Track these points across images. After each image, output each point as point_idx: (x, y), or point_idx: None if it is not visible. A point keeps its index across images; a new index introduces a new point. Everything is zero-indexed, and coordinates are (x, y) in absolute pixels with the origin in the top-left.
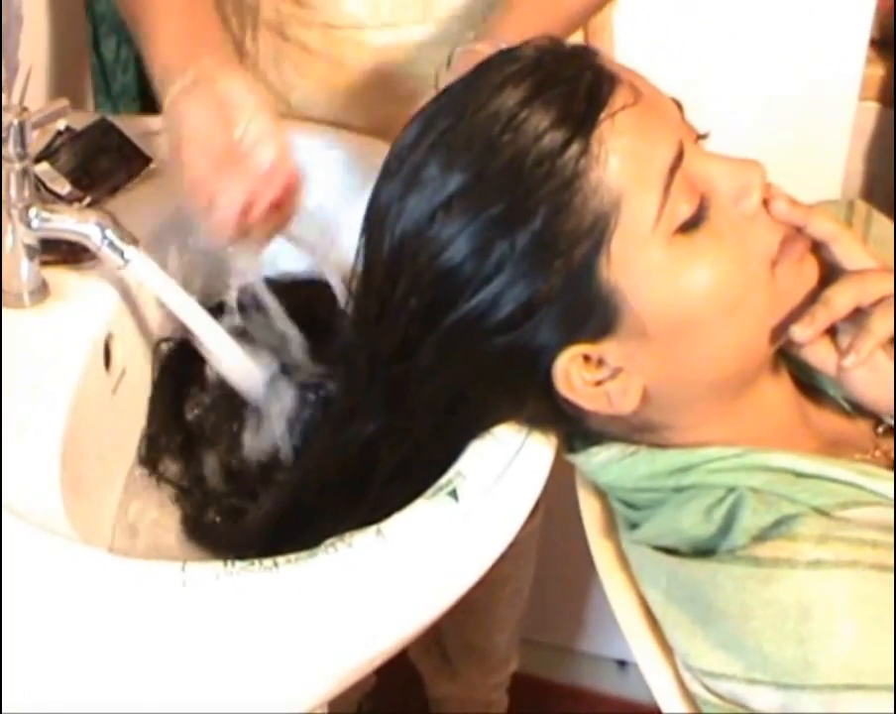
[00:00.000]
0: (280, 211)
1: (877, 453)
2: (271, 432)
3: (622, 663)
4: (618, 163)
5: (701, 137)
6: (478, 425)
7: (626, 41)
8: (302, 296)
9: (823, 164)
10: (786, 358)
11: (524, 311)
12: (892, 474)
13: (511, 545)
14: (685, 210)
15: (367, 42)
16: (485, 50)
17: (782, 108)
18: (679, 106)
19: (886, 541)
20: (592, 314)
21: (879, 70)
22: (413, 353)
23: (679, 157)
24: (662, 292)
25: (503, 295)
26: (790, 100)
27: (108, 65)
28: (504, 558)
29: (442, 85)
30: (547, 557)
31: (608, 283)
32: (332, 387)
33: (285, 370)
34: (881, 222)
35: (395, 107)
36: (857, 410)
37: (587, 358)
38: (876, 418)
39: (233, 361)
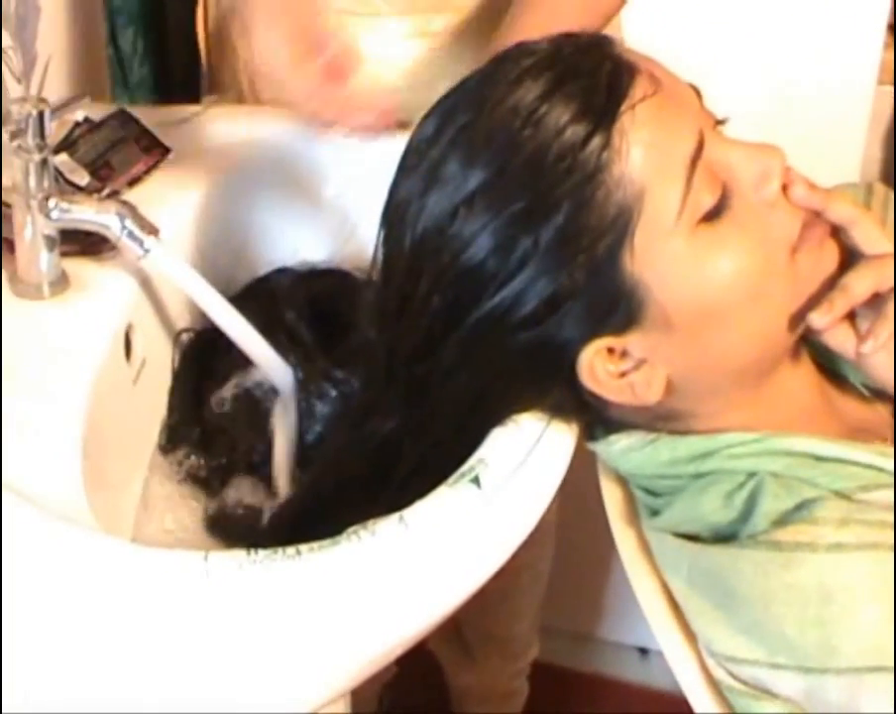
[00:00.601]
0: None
1: None
2: (292, 424)
3: (644, 651)
4: (641, 155)
5: (720, 122)
6: (499, 417)
7: (639, 25)
8: (322, 285)
9: (841, 148)
10: (809, 344)
11: (548, 307)
12: None
13: (530, 533)
14: (708, 200)
15: (384, 29)
16: None
17: (800, 93)
18: (697, 93)
19: None
20: (616, 308)
21: None
22: (436, 351)
23: (700, 146)
24: (686, 283)
25: (526, 291)
26: (808, 85)
27: (125, 57)
28: (523, 546)
29: None
30: (568, 545)
31: (631, 276)
32: (352, 382)
33: (307, 362)
34: None
35: (413, 96)
36: (877, 395)
37: (611, 350)
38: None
39: (255, 351)
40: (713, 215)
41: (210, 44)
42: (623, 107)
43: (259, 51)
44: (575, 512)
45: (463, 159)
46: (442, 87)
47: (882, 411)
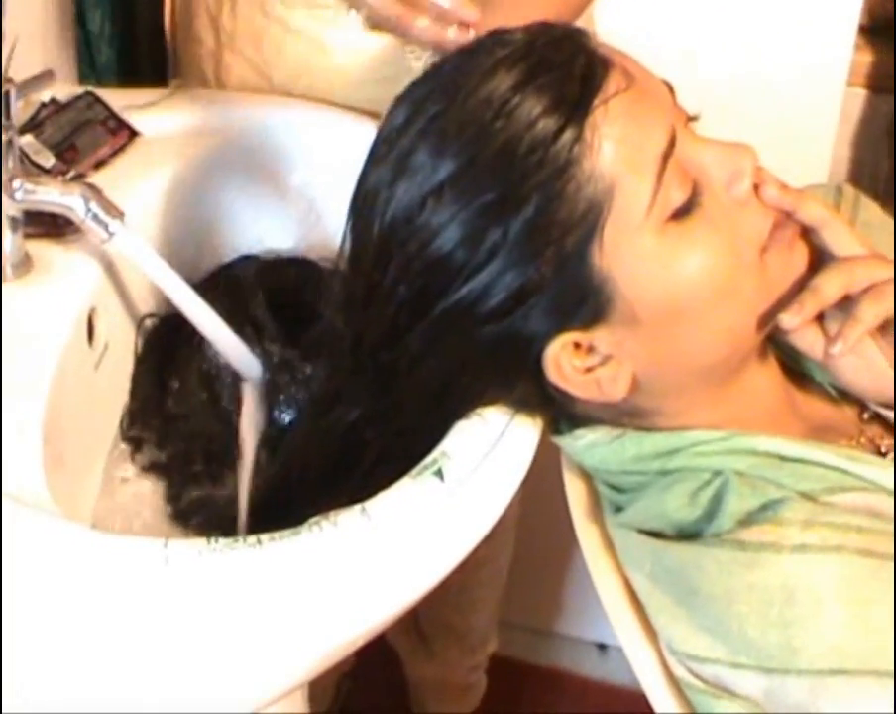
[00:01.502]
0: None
1: (862, 440)
2: (257, 413)
3: (602, 647)
4: (612, 150)
5: (692, 119)
6: (465, 409)
7: (611, 24)
8: (287, 273)
9: (810, 149)
10: (774, 343)
11: (516, 300)
12: (878, 459)
13: (492, 527)
14: (678, 197)
15: (354, 22)
16: None
17: (770, 93)
18: (670, 89)
19: (872, 527)
20: (583, 302)
21: (868, 57)
22: (402, 341)
23: (672, 143)
24: (654, 279)
25: (494, 283)
26: (778, 85)
27: (93, 38)
28: (484, 540)
29: None
30: (528, 540)
31: (600, 271)
32: (317, 371)
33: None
34: (869, 207)
35: (381, 89)
36: (843, 396)
37: (577, 345)
38: (862, 405)
39: (219, 338)
40: (682, 213)
41: (176, 29)
42: (596, 101)
43: None
44: (536, 506)
45: (433, 148)
46: (408, 81)
47: (848, 410)
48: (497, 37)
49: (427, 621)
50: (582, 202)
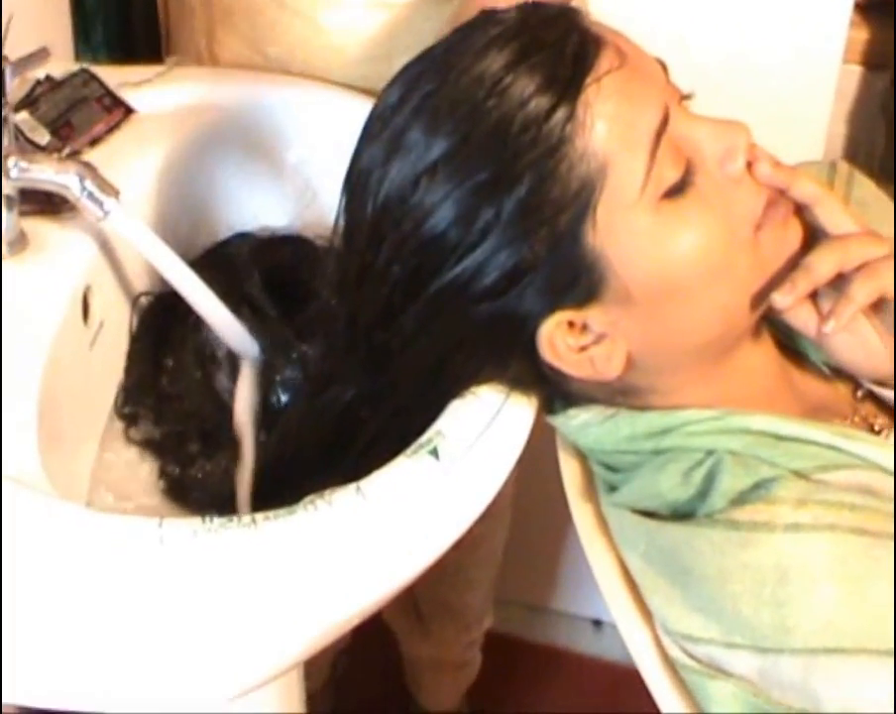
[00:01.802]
0: None
1: (856, 419)
2: (252, 391)
3: (598, 623)
4: (604, 128)
5: (685, 97)
6: (459, 388)
7: (605, 2)
8: (282, 252)
9: (806, 126)
10: (770, 322)
11: (509, 279)
12: (871, 437)
13: (487, 506)
14: (671, 175)
15: (345, 1)
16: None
17: (766, 70)
18: (664, 67)
19: (865, 505)
20: (577, 281)
21: (863, 34)
22: (396, 320)
23: (665, 121)
24: (648, 257)
25: (487, 262)
26: (774, 62)
27: (89, 15)
28: (479, 518)
29: None
30: (523, 516)
31: (593, 249)
32: (312, 350)
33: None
34: (863, 184)
35: (376, 67)
36: (837, 374)
37: (571, 324)
38: (856, 383)
39: (214, 316)
40: (676, 191)
41: (169, 4)
42: (589, 80)
43: None
44: (531, 483)
45: (426, 127)
46: (402, 59)
47: (842, 389)
48: (489, 16)
49: (423, 600)
50: (575, 181)
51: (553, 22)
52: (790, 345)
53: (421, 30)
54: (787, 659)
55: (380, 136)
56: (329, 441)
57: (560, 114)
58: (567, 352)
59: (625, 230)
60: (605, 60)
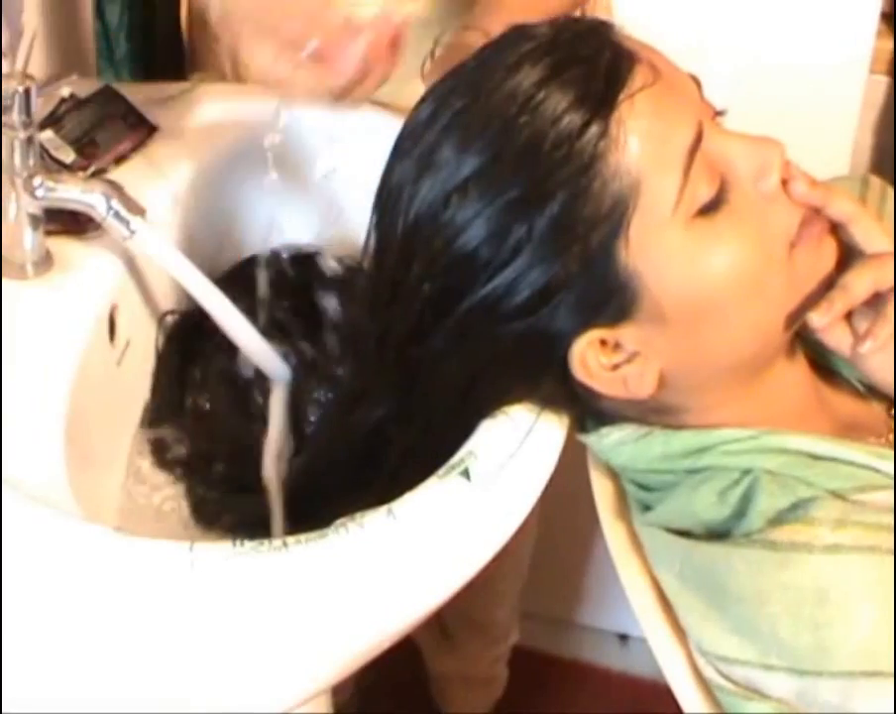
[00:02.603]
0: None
1: (891, 437)
2: (281, 411)
3: (624, 637)
4: (638, 145)
5: (719, 114)
6: (490, 408)
7: (630, 14)
8: (309, 270)
9: (832, 137)
10: (801, 339)
11: (541, 297)
12: None
13: None
14: (705, 193)
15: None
16: (475, 41)
17: (792, 81)
18: (697, 83)
19: None
20: (610, 299)
21: (889, 44)
22: (426, 338)
23: (699, 138)
24: (681, 276)
25: (519, 280)
26: (800, 73)
27: (111, 31)
28: None
29: (427, 77)
30: (549, 530)
31: (626, 267)
32: (342, 369)
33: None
34: None
35: (402, 84)
36: (872, 392)
37: (603, 342)
38: (890, 402)
39: (240, 334)
40: (710, 208)
41: (192, 21)
42: (622, 96)
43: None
44: (557, 497)
45: (457, 144)
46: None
47: (877, 407)
48: (521, 31)
49: (449, 615)
50: (608, 198)
51: (586, 37)
52: (822, 362)
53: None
54: (826, 682)
55: (410, 153)
56: (359, 461)
57: (593, 131)
58: (599, 371)
59: (658, 248)
60: (638, 77)
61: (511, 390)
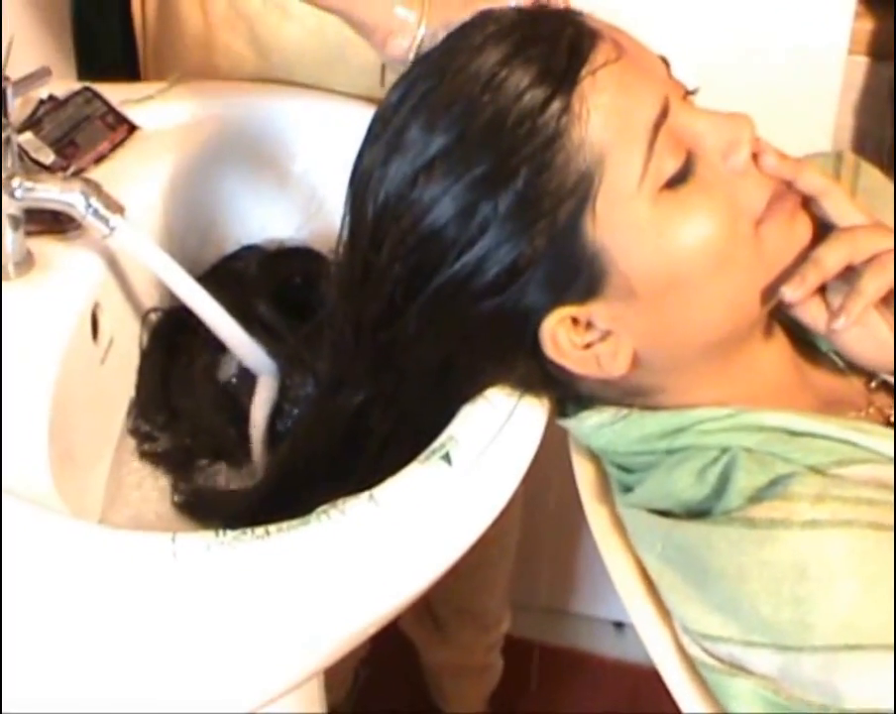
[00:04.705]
0: None
1: (871, 410)
2: (265, 405)
3: (619, 625)
4: (601, 120)
5: (690, 93)
6: (468, 390)
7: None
8: (291, 264)
9: (812, 118)
10: (782, 316)
11: (510, 274)
12: (886, 430)
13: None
14: (671, 166)
15: None
16: None
17: (771, 62)
18: (666, 63)
19: (882, 499)
20: (578, 275)
21: (868, 24)
22: (399, 319)
23: (664, 113)
24: (649, 249)
25: (487, 257)
26: (779, 54)
27: (91, 33)
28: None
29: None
30: (541, 519)
31: (593, 242)
32: (321, 359)
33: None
34: (870, 173)
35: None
36: (851, 367)
37: (575, 321)
38: (869, 375)
39: (223, 329)
40: (676, 181)
41: (148, 24)
42: (584, 72)
43: None
44: (546, 486)
45: (424, 125)
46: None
47: (856, 381)
48: (487, 15)
49: (439, 605)
50: (572, 173)
51: (549, 18)
52: (802, 337)
53: None
54: (808, 657)
55: (380, 136)
56: (340, 448)
57: (555, 106)
58: (571, 349)
59: (625, 222)
60: (601, 53)
61: (486, 371)
